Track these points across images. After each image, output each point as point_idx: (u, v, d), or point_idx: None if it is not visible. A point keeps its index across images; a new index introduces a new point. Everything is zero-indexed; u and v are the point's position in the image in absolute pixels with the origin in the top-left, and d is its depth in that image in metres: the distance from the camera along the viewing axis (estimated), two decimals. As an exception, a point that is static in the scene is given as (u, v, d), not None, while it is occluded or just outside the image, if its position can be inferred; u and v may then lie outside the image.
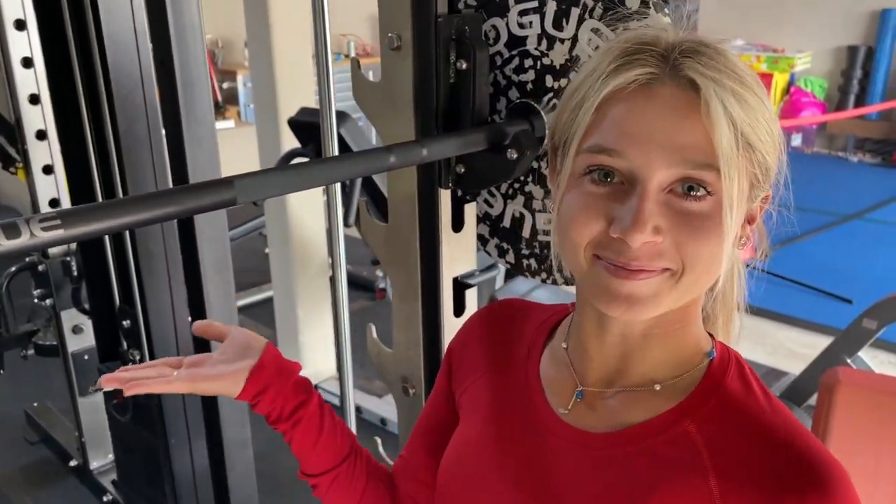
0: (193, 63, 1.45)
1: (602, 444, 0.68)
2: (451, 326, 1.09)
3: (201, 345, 1.66)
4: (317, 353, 3.23)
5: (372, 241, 1.14)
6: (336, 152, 1.28)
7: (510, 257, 1.13)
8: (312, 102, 2.90)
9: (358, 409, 2.94)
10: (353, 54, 7.17)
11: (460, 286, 1.09)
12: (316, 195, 3.09)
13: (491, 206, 1.13)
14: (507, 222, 1.12)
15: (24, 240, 0.59)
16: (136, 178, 1.73)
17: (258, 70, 2.90)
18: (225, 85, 6.32)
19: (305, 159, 2.59)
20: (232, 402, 1.72)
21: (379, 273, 4.22)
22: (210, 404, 1.68)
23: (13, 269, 2.23)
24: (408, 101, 1.00)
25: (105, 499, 2.38)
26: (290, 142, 2.82)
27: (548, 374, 0.75)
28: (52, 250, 2.21)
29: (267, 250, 4.06)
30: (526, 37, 1.00)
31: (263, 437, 2.28)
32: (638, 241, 0.58)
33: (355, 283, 4.20)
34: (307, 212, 3.06)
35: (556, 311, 0.80)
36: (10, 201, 5.18)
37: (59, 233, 0.61)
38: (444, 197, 1.03)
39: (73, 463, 2.55)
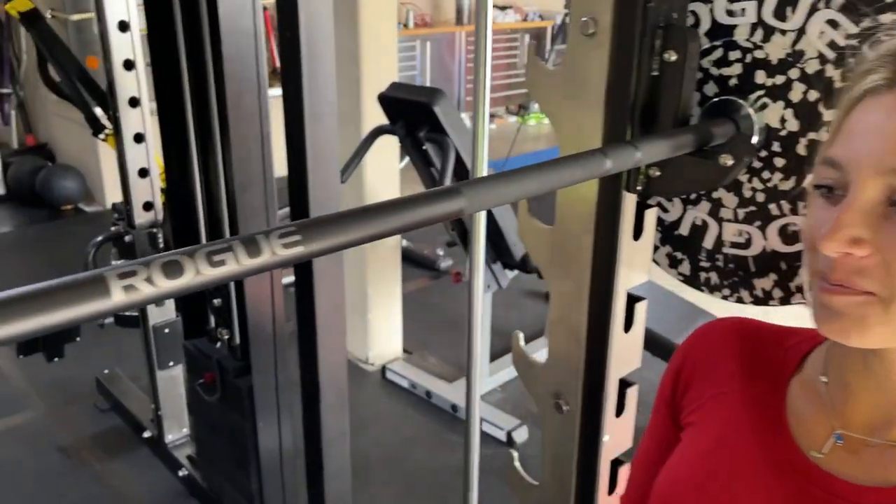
0: (320, 34, 1.36)
1: (874, 501, 0.59)
2: (620, 342, 1.00)
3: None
4: (384, 332, 3.16)
5: (531, 243, 1.05)
6: (486, 157, 1.18)
7: (684, 268, 1.03)
8: (396, 77, 2.80)
9: (427, 394, 2.88)
10: (411, 24, 7.03)
11: (632, 299, 0.99)
12: (391, 166, 3.00)
13: (665, 210, 1.02)
14: (684, 230, 1.02)
15: (265, 258, 0.50)
16: (240, 155, 1.66)
17: (339, 40, 2.80)
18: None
19: (393, 137, 2.51)
20: (333, 391, 1.66)
21: (439, 251, 4.14)
22: (311, 392, 1.61)
23: (100, 238, 2.19)
24: (597, 94, 0.89)
25: (180, 473, 2.35)
26: (370, 117, 2.73)
27: (796, 409, 0.67)
28: (140, 220, 2.16)
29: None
30: (734, 26, 0.89)
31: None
32: (830, 249, 0.55)
33: (416, 261, 4.14)
34: (382, 186, 2.98)
35: (806, 337, 0.71)
36: (72, 160, 5.19)
37: (300, 250, 0.52)
38: (628, 201, 0.93)
39: (146, 434, 2.53)
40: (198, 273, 0.48)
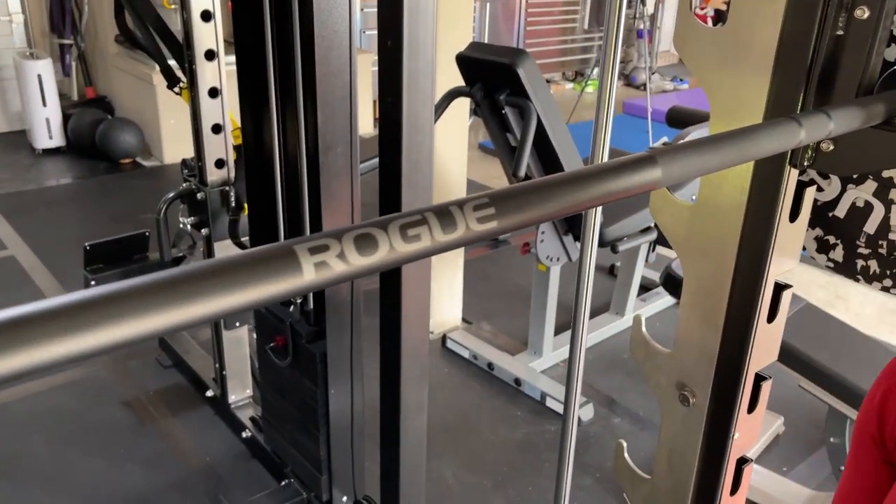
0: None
1: None
2: (762, 332, 0.91)
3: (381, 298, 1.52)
4: (444, 301, 3.10)
5: (666, 220, 0.95)
6: (610, 130, 1.08)
7: (836, 254, 0.93)
8: (470, 37, 2.69)
9: (490, 366, 2.81)
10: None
11: (778, 287, 0.90)
12: (461, 131, 2.90)
13: (820, 189, 0.92)
14: (841, 211, 0.92)
15: (460, 233, 0.43)
16: (326, 115, 1.58)
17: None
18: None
19: (465, 102, 2.41)
20: (413, 361, 1.60)
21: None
22: (392, 363, 1.55)
23: (171, 195, 2.15)
24: (765, 57, 0.79)
25: (244, 435, 2.33)
26: (444, 79, 2.62)
27: None
28: (212, 177, 2.11)
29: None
30: (931, -19, 0.77)
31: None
32: None
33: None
34: (446, 145, 2.88)
35: None
36: (131, 114, 5.19)
37: (493, 225, 0.44)
38: (791, 178, 0.83)
39: (209, 393, 2.52)
40: (391, 249, 0.40)
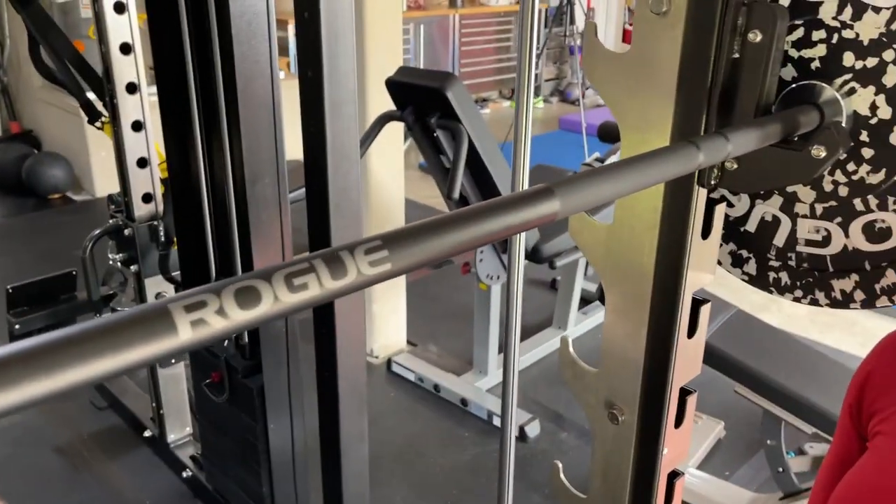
0: (340, 15, 1.27)
1: None
2: (683, 348, 0.92)
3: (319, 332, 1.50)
4: (389, 324, 3.08)
5: (585, 242, 0.97)
6: (529, 151, 1.09)
7: (750, 268, 0.96)
8: (401, 61, 2.70)
9: (436, 388, 2.80)
10: (404, 7, 6.90)
11: (696, 303, 0.92)
12: (396, 155, 2.90)
13: (731, 205, 0.94)
14: (751, 226, 0.94)
15: (351, 279, 0.42)
16: (251, 145, 1.56)
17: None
18: (275, 34, 6.09)
19: (401, 124, 2.41)
20: (351, 391, 1.58)
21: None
22: (329, 392, 1.53)
23: (97, 232, 2.08)
24: (668, 80, 0.81)
25: (184, 474, 2.26)
26: (375, 104, 2.63)
27: None
28: (139, 212, 2.06)
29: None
30: (820, 2, 0.81)
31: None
32: None
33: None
34: (383, 167, 2.87)
35: None
36: (59, 148, 5.05)
37: (387, 267, 0.44)
38: (700, 197, 0.85)
39: (147, 433, 2.45)
40: (276, 300, 0.40)
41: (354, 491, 1.64)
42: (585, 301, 3.30)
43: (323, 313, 1.48)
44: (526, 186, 1.17)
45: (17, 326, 2.16)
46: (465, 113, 2.17)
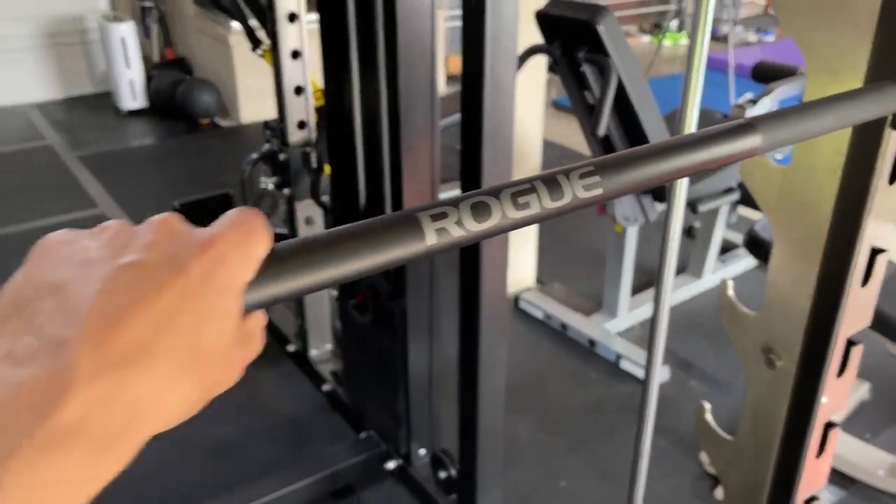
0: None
1: None
2: (855, 297, 0.89)
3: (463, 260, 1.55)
4: (518, 261, 3.11)
5: (757, 182, 0.94)
6: (700, 87, 1.06)
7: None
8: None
9: (563, 327, 2.83)
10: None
11: (874, 251, 0.88)
12: (535, 83, 2.87)
13: (921, 151, 0.89)
14: (944, 175, 0.88)
15: (567, 200, 0.44)
16: (408, 76, 1.60)
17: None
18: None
19: (541, 60, 2.38)
20: (494, 316, 1.62)
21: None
22: (471, 315, 1.58)
23: (254, 156, 2.21)
24: (869, 12, 0.76)
25: (324, 388, 2.42)
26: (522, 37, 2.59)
27: None
28: (293, 138, 2.17)
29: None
30: None
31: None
32: None
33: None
34: (523, 103, 2.84)
35: None
36: (209, 75, 5.32)
37: (598, 192, 0.46)
38: (891, 141, 0.81)
39: (290, 348, 2.62)
40: (504, 216, 0.42)
41: (489, 414, 1.71)
42: (724, 250, 3.20)
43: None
44: (693, 129, 1.14)
45: (181, 240, 2.34)
46: (616, 48, 2.11)
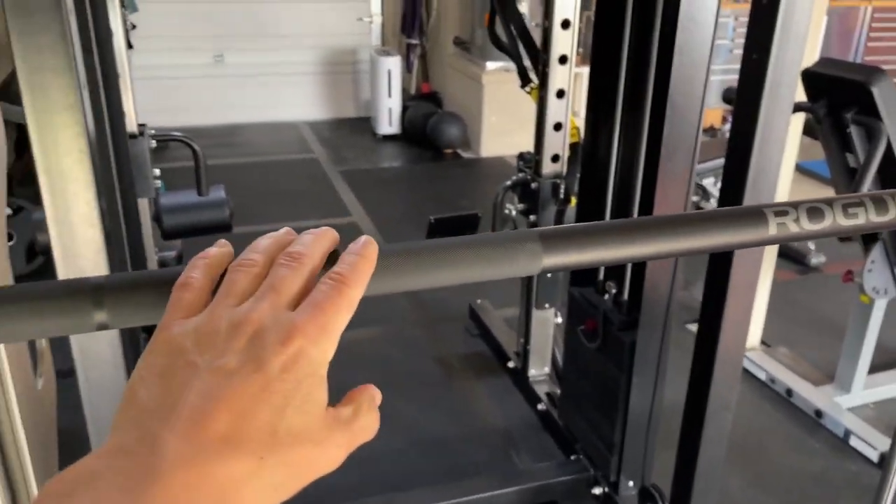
0: (800, 4, 1.33)
1: None
2: None
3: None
4: (745, 319, 3.04)
5: None
6: None
7: None
8: (817, 53, 2.61)
9: (788, 392, 2.72)
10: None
11: None
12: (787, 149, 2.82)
13: None
14: None
15: (891, 217, 0.53)
16: (672, 123, 1.69)
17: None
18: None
19: (801, 116, 2.35)
20: (728, 359, 1.65)
21: (811, 245, 3.82)
22: (706, 353, 1.62)
23: (508, 183, 2.41)
24: None
25: (538, 407, 2.54)
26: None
27: None
28: (546, 170, 2.33)
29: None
30: None
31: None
32: None
33: (782, 252, 3.87)
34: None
35: None
36: (456, 109, 5.73)
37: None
38: None
39: (510, 364, 2.77)
40: (834, 221, 0.52)
41: (709, 458, 1.72)
42: None
43: (716, 286, 1.57)
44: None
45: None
46: (889, 112, 2.05)
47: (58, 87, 1.00)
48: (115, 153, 1.45)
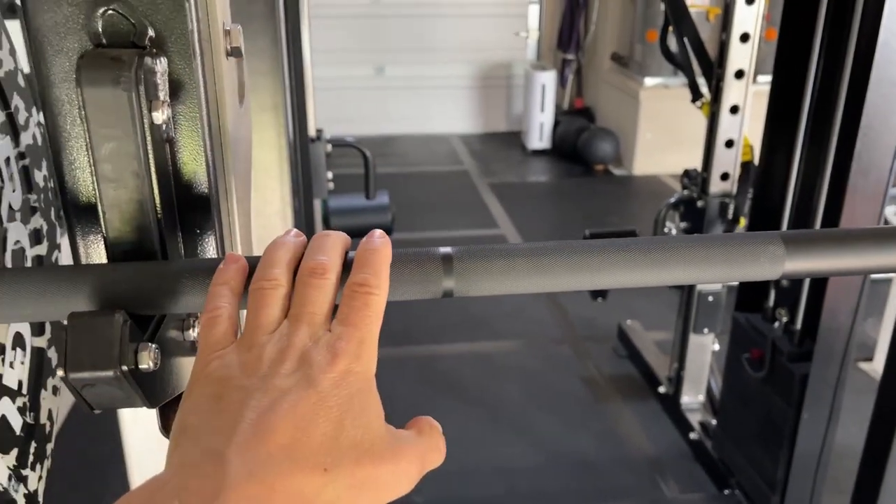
0: None
1: None
2: None
3: None
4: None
5: None
6: None
7: None
8: None
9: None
10: None
11: None
12: None
13: None
14: None
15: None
16: (864, 143, 1.57)
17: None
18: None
19: None
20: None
21: None
22: (891, 398, 1.49)
23: (672, 200, 2.34)
24: None
25: (691, 436, 2.43)
26: None
27: None
28: (714, 188, 2.24)
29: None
30: None
31: None
32: None
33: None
34: None
35: None
36: (609, 125, 5.64)
37: None
38: None
39: (661, 389, 2.67)
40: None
41: (888, 507, 1.58)
42: None
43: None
44: None
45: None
46: None
47: (265, 88, 1.07)
48: (301, 155, 1.54)
